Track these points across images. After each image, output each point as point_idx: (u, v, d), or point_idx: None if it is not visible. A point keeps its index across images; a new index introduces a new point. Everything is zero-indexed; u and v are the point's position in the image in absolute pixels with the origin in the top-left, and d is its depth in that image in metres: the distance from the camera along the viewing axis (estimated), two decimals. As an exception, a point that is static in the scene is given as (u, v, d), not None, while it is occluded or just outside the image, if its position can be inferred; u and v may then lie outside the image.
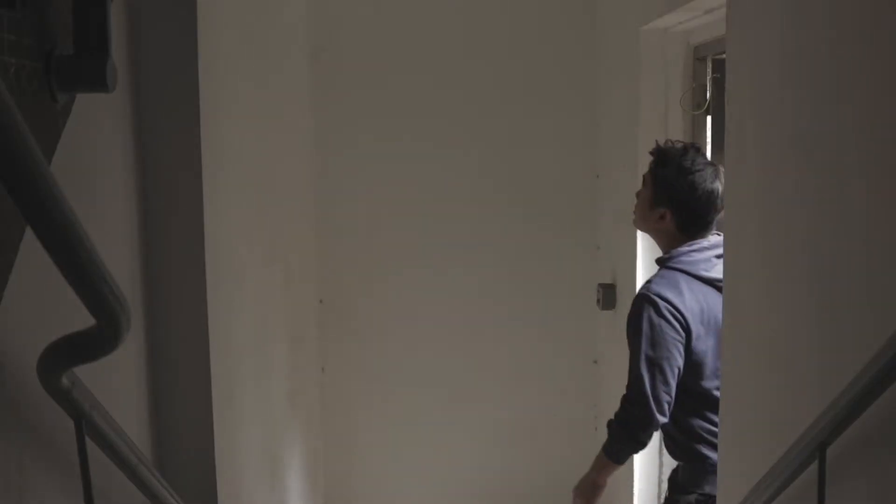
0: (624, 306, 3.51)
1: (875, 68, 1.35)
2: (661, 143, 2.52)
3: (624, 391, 2.40)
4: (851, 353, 1.36)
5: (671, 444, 2.49)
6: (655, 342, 2.31)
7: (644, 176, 2.49)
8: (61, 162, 1.25)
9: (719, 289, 2.24)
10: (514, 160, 3.79)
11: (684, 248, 2.40)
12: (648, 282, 2.42)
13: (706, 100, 3.07)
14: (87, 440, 1.24)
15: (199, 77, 1.73)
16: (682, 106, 3.17)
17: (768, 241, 1.82)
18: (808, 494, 1.47)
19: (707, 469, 2.33)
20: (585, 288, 3.78)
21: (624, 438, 2.38)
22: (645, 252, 3.31)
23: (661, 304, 2.32)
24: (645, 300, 2.35)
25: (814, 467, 1.43)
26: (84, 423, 1.22)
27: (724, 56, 2.34)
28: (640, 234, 3.30)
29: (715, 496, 2.27)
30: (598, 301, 3.68)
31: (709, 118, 3.07)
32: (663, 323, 2.31)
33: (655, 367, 2.30)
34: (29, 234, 1.05)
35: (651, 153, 2.49)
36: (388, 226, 3.85)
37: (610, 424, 2.42)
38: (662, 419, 2.32)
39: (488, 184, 3.84)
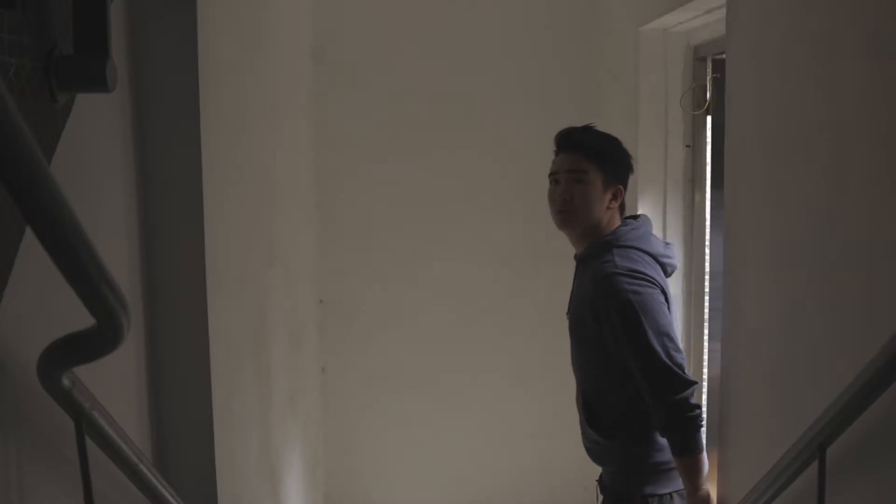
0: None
1: (875, 68, 1.35)
2: (563, 129, 2.29)
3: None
4: (851, 353, 1.36)
5: (618, 431, 2.24)
6: (649, 312, 2.08)
7: (567, 171, 2.21)
8: (61, 162, 1.25)
9: (662, 265, 2.25)
10: (515, 160, 3.79)
11: (626, 228, 2.24)
12: (607, 262, 2.15)
13: (706, 100, 3.07)
14: (87, 440, 1.24)
15: (199, 77, 1.73)
16: (682, 106, 3.17)
17: (768, 240, 1.82)
18: (808, 494, 1.47)
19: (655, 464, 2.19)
20: (585, 288, 3.77)
21: (691, 425, 2.08)
22: (645, 252, 3.31)
23: (638, 276, 2.12)
24: (618, 277, 2.11)
25: (814, 467, 1.43)
26: (84, 423, 1.22)
27: (724, 56, 2.34)
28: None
29: (660, 494, 2.19)
30: (598, 301, 3.68)
31: (709, 118, 3.07)
32: (646, 292, 2.10)
33: (664, 336, 2.08)
34: (29, 234, 1.05)
35: (574, 140, 2.24)
36: (388, 226, 3.85)
37: (671, 428, 2.10)
38: (693, 378, 2.13)
39: (488, 184, 3.84)
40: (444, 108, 3.79)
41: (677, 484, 2.19)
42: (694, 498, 2.12)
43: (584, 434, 2.37)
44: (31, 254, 1.05)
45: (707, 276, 3.15)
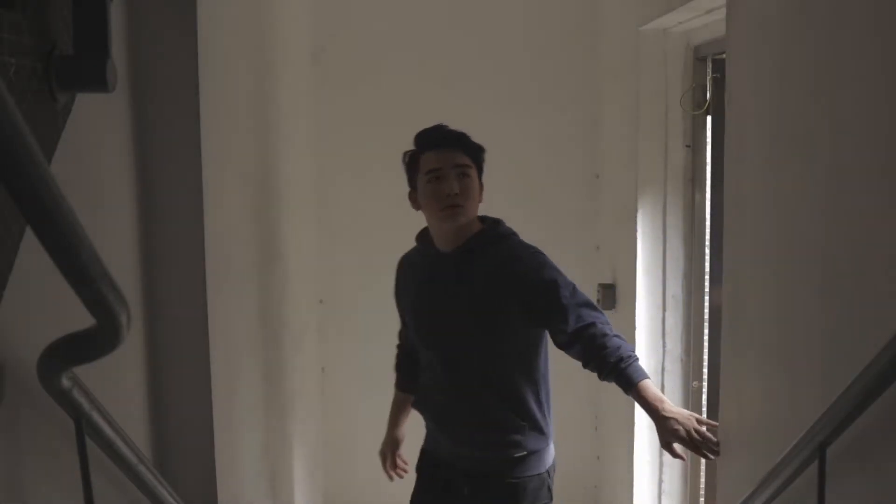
0: (624, 306, 3.52)
1: (875, 68, 1.35)
2: (432, 128, 2.31)
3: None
4: (852, 353, 1.36)
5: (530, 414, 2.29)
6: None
7: (454, 167, 2.22)
8: (61, 162, 1.25)
9: None
10: (515, 160, 3.79)
11: (503, 223, 2.35)
12: (513, 236, 2.30)
13: (706, 100, 3.07)
14: (87, 440, 1.24)
15: (199, 77, 1.73)
16: (682, 106, 3.17)
17: (768, 240, 1.82)
18: (808, 494, 1.47)
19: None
20: (585, 288, 3.74)
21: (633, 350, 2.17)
22: (645, 252, 3.31)
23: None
24: (540, 251, 2.28)
25: (814, 467, 1.43)
26: (84, 423, 1.22)
27: (724, 56, 2.34)
28: (640, 234, 3.30)
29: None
30: (598, 301, 3.68)
31: (709, 118, 3.07)
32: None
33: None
34: (29, 234, 1.05)
35: (453, 137, 2.27)
36: (388, 226, 3.84)
37: (627, 355, 2.09)
38: None
39: (488, 183, 3.83)
40: (444, 107, 3.77)
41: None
42: (673, 415, 1.99)
43: (493, 424, 2.27)
44: (31, 254, 1.05)
45: (707, 276, 3.15)
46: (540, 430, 2.31)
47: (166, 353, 1.78)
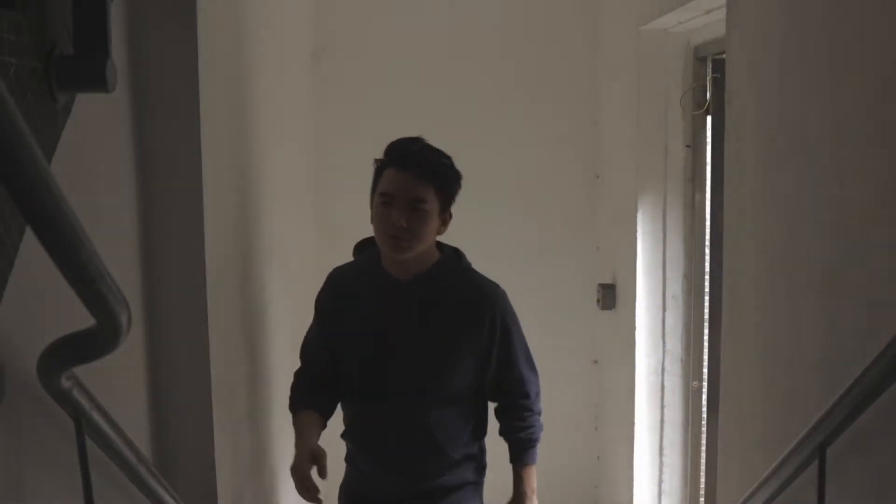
0: (624, 306, 3.52)
1: (875, 68, 1.35)
2: (398, 142, 2.10)
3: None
4: (851, 354, 1.36)
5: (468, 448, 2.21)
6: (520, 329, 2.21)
7: (405, 198, 2.00)
8: (61, 162, 1.25)
9: None
10: (514, 160, 3.79)
11: (464, 258, 2.24)
12: (480, 279, 2.20)
13: (706, 100, 3.07)
14: (87, 440, 1.24)
15: (199, 77, 1.73)
16: (682, 106, 3.17)
17: (768, 240, 1.82)
18: (808, 494, 1.47)
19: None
20: (585, 288, 3.78)
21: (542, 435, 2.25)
22: (645, 252, 3.31)
23: None
24: (504, 292, 2.19)
25: (814, 467, 1.43)
26: (84, 423, 1.22)
27: (724, 56, 2.34)
28: (640, 234, 3.30)
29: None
30: (598, 301, 3.69)
31: (709, 118, 3.07)
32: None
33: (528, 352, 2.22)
34: (29, 234, 1.05)
35: (413, 159, 2.04)
36: (388, 226, 3.85)
37: (537, 438, 2.21)
38: None
39: (488, 184, 3.83)
40: (444, 107, 3.78)
41: None
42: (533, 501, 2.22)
43: (421, 460, 2.17)
44: (31, 254, 1.05)
45: (707, 276, 3.15)
46: (481, 464, 2.28)
47: (166, 353, 1.78)
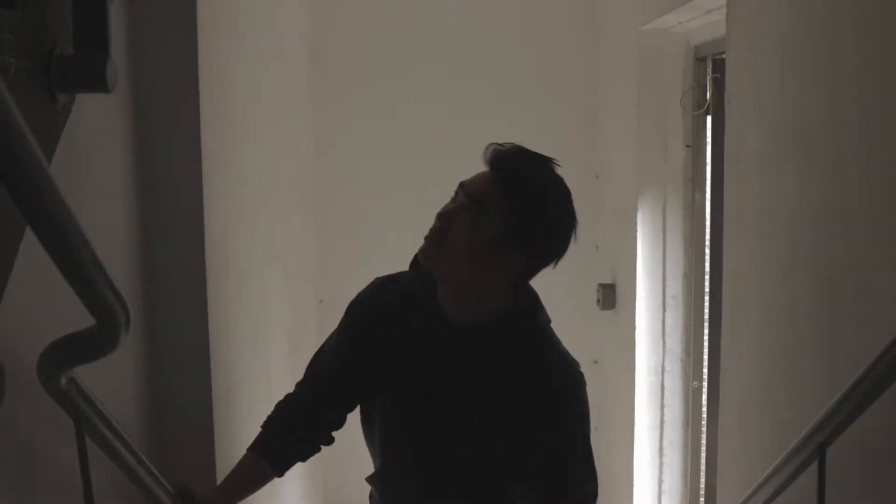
0: (624, 306, 3.52)
1: (875, 68, 1.35)
2: (507, 148, 1.63)
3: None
4: (851, 353, 1.36)
5: None
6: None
7: (476, 193, 1.57)
8: (61, 162, 1.25)
9: None
10: (514, 160, 3.78)
11: (532, 293, 1.73)
12: (557, 345, 1.70)
13: (706, 100, 3.07)
14: (87, 440, 1.24)
15: (199, 77, 1.73)
16: (682, 106, 3.17)
17: (768, 240, 1.82)
18: (808, 494, 1.47)
19: None
20: (585, 288, 3.77)
21: None
22: (645, 252, 3.31)
23: None
24: (582, 379, 1.64)
25: (814, 467, 1.43)
26: (84, 423, 1.22)
27: (724, 56, 2.34)
28: (640, 234, 3.30)
29: None
30: (598, 301, 3.69)
31: (709, 118, 3.07)
32: None
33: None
34: (29, 234, 1.05)
35: (500, 158, 1.60)
36: (389, 225, 3.84)
37: None
38: None
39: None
40: (444, 107, 3.79)
41: None
42: None
43: None
44: (31, 254, 1.05)
45: (707, 276, 3.15)
46: None
47: (166, 353, 1.78)
